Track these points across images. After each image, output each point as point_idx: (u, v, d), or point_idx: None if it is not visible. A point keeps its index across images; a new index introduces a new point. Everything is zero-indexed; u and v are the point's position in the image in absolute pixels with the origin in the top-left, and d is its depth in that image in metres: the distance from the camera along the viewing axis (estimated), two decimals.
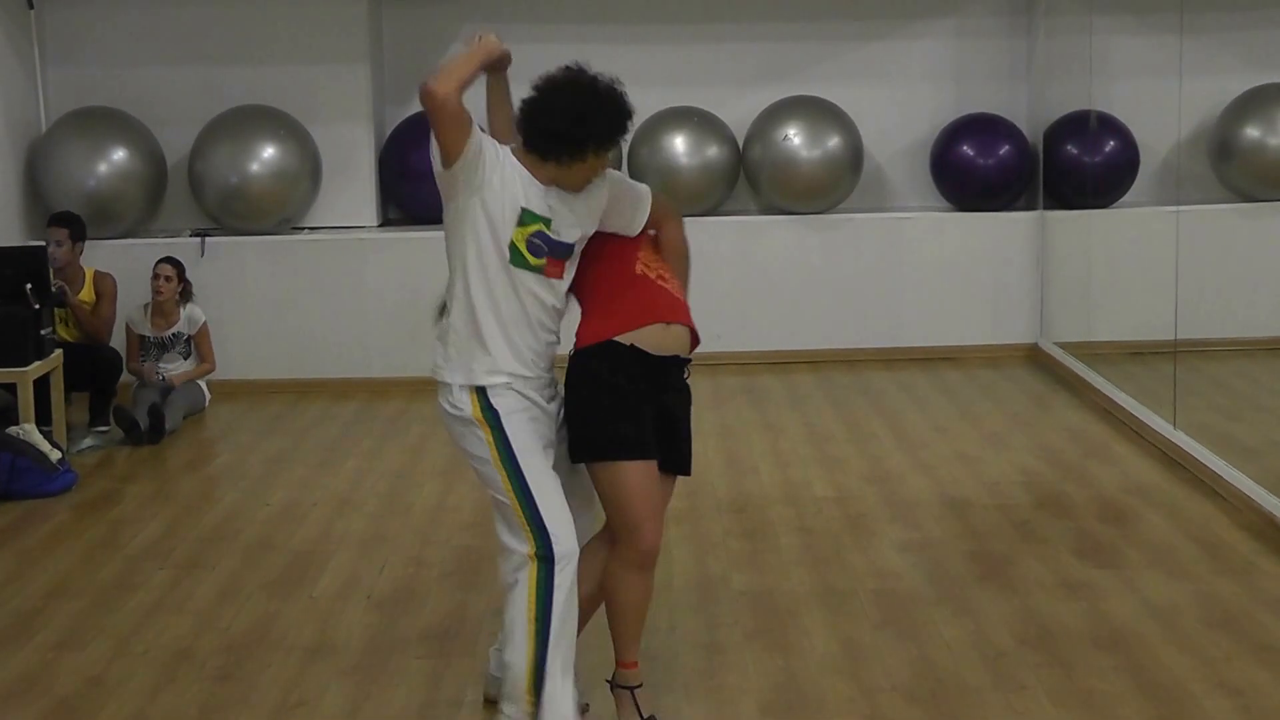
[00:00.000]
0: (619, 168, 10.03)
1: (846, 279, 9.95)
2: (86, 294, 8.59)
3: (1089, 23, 9.54)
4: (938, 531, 6.45)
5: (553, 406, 4.49)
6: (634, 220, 4.54)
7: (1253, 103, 9.87)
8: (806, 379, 9.49)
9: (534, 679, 4.36)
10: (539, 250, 4.32)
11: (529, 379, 4.38)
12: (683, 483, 7.09)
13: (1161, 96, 8.97)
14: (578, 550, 4.38)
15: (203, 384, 8.96)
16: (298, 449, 8.18)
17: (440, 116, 4.20)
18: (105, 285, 8.66)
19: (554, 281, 4.37)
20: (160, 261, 8.81)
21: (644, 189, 4.63)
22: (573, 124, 4.26)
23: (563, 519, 4.34)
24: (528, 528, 4.32)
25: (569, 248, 4.38)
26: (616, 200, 4.52)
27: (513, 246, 4.29)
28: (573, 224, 4.37)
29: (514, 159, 4.35)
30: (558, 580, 4.33)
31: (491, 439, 4.35)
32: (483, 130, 4.38)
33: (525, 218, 4.30)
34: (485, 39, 4.46)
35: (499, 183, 4.29)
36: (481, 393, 4.35)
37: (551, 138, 4.28)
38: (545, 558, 4.31)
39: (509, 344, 4.35)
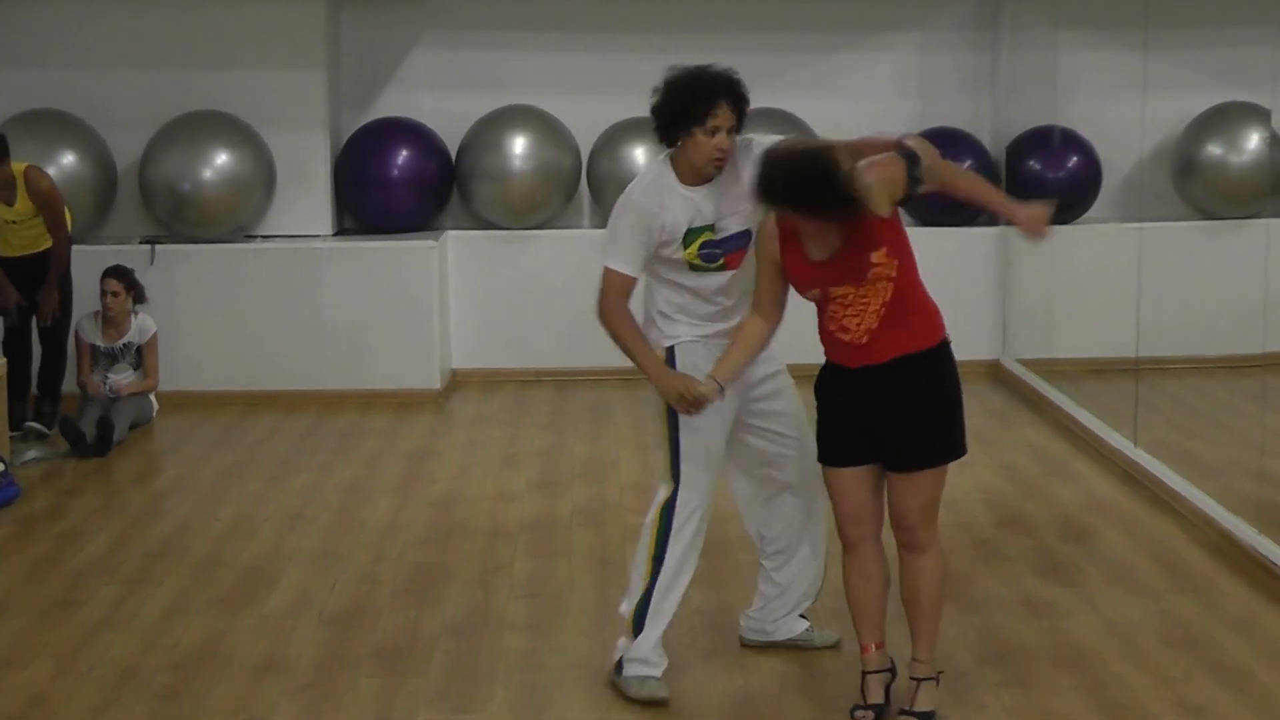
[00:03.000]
0: (578, 175, 10.01)
1: None
2: (23, 204, 8.28)
3: (1054, 38, 9.55)
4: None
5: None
6: None
7: (1215, 120, 9.89)
8: None
9: (637, 617, 4.95)
10: (713, 256, 4.81)
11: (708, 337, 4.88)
12: (639, 500, 7.15)
13: (1125, 113, 8.98)
14: (703, 506, 4.91)
15: (150, 394, 8.84)
16: (248, 462, 8.08)
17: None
18: (41, 187, 8.30)
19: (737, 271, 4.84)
20: (106, 276, 8.64)
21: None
22: (662, 104, 4.77)
23: (698, 470, 4.88)
24: (668, 468, 4.90)
25: (742, 237, 4.80)
26: None
27: (689, 262, 4.82)
28: (735, 214, 4.79)
29: (668, 183, 4.81)
30: (675, 524, 4.88)
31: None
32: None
33: (688, 237, 4.79)
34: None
35: (662, 231, 4.80)
36: (670, 351, 4.90)
37: (661, 123, 4.79)
38: (670, 501, 4.90)
39: (684, 314, 4.89)
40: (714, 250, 4.80)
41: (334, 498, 7.35)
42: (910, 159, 4.56)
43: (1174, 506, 6.87)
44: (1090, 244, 9.70)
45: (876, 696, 4.74)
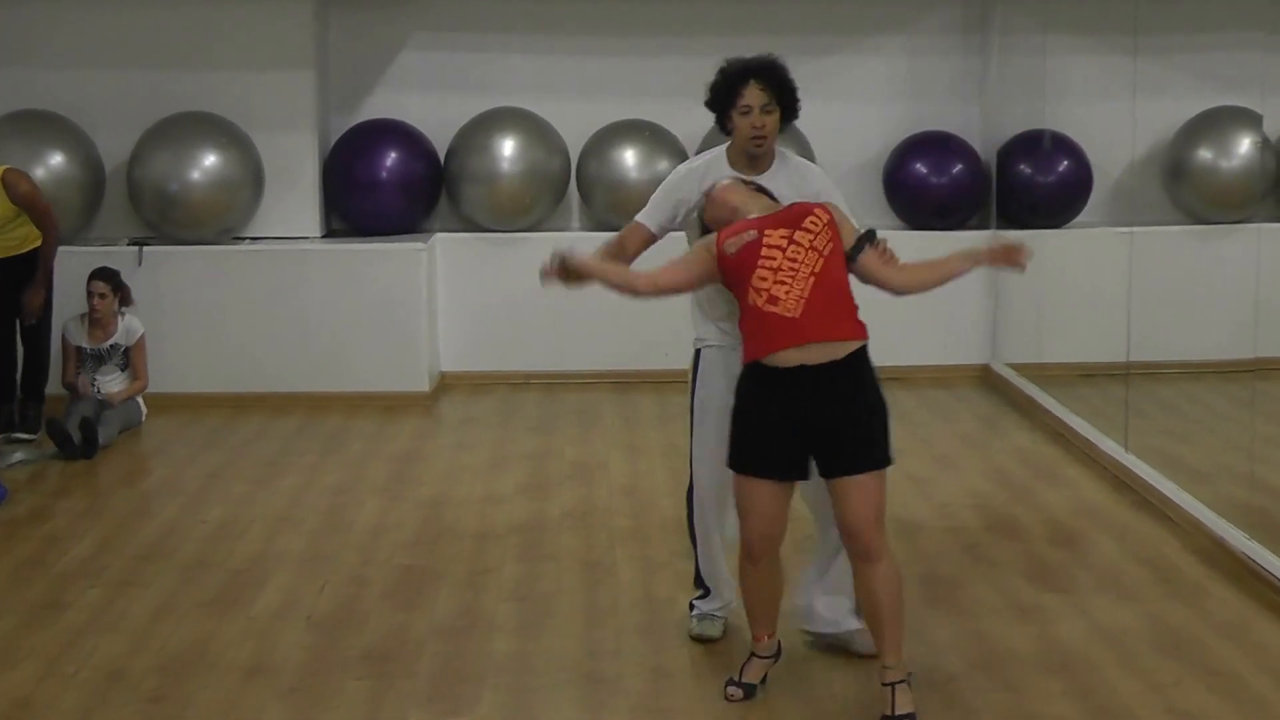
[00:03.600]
0: (568, 178, 9.98)
1: None
2: (4, 207, 8.17)
3: (1043, 42, 9.54)
4: None
5: None
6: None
7: (1205, 125, 9.87)
8: None
9: (696, 576, 5.49)
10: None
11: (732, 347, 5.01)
12: (628, 503, 7.17)
13: (1115, 117, 8.96)
14: (708, 498, 5.29)
15: (139, 398, 8.80)
16: (236, 464, 8.04)
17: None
18: (21, 190, 8.19)
19: None
20: (93, 278, 8.60)
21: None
22: (707, 96, 5.12)
23: (699, 464, 5.30)
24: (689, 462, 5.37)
25: None
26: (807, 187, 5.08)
27: None
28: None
29: (718, 166, 5.15)
30: (695, 510, 5.39)
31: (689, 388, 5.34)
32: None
33: None
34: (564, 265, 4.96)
35: (685, 206, 5.23)
36: (697, 353, 5.31)
37: (714, 115, 5.11)
38: (688, 492, 5.46)
39: (712, 316, 5.18)
40: None
41: (321, 500, 7.32)
42: (868, 235, 4.82)
43: (1164, 512, 6.84)
44: (1080, 248, 9.70)
45: (754, 677, 4.94)
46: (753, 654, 4.95)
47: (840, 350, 4.61)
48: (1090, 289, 9.06)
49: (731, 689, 4.91)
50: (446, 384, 9.84)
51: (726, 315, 5.05)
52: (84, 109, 9.60)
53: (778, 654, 4.98)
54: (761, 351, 4.62)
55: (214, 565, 6.33)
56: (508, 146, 9.74)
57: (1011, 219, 9.96)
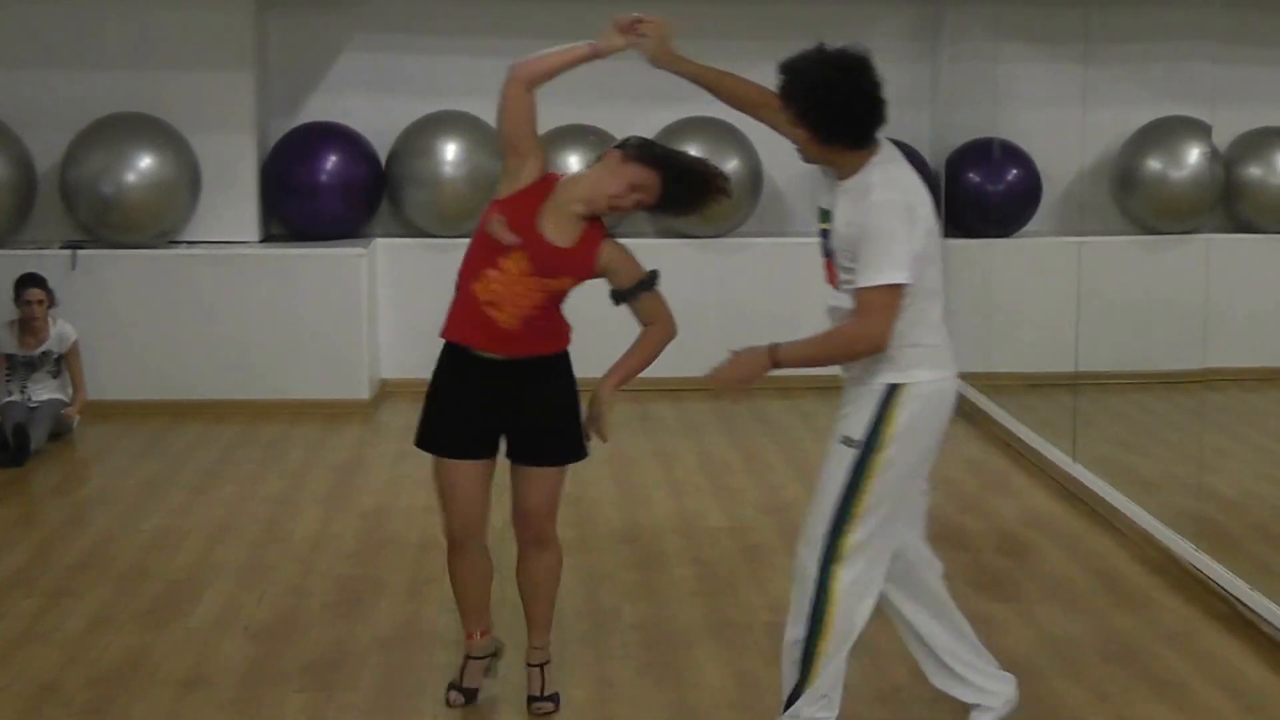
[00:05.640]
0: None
1: (743, 304, 9.83)
2: None
3: (993, 49, 9.56)
4: None
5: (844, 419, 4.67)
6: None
7: (1154, 134, 9.94)
8: (701, 407, 9.38)
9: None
10: (824, 249, 4.49)
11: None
12: (574, 512, 7.10)
13: (1064, 126, 9.00)
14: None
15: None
16: (173, 473, 7.93)
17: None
18: None
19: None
20: (29, 286, 8.48)
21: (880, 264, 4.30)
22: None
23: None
24: None
25: (828, 240, 4.44)
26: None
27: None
28: (834, 223, 4.39)
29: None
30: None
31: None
32: None
33: (821, 215, 4.49)
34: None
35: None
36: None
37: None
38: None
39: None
40: (823, 240, 4.51)
41: (261, 509, 7.23)
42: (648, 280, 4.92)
43: (1112, 522, 6.88)
44: (1029, 258, 9.73)
45: (475, 681, 4.95)
46: (467, 656, 4.95)
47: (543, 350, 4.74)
48: (1039, 298, 9.08)
49: (452, 694, 4.93)
50: (387, 391, 9.74)
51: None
52: (14, 109, 9.42)
53: (496, 652, 4.99)
54: (466, 340, 4.70)
55: (151, 575, 6.23)
56: (450, 150, 9.67)
57: (960, 227, 9.96)
